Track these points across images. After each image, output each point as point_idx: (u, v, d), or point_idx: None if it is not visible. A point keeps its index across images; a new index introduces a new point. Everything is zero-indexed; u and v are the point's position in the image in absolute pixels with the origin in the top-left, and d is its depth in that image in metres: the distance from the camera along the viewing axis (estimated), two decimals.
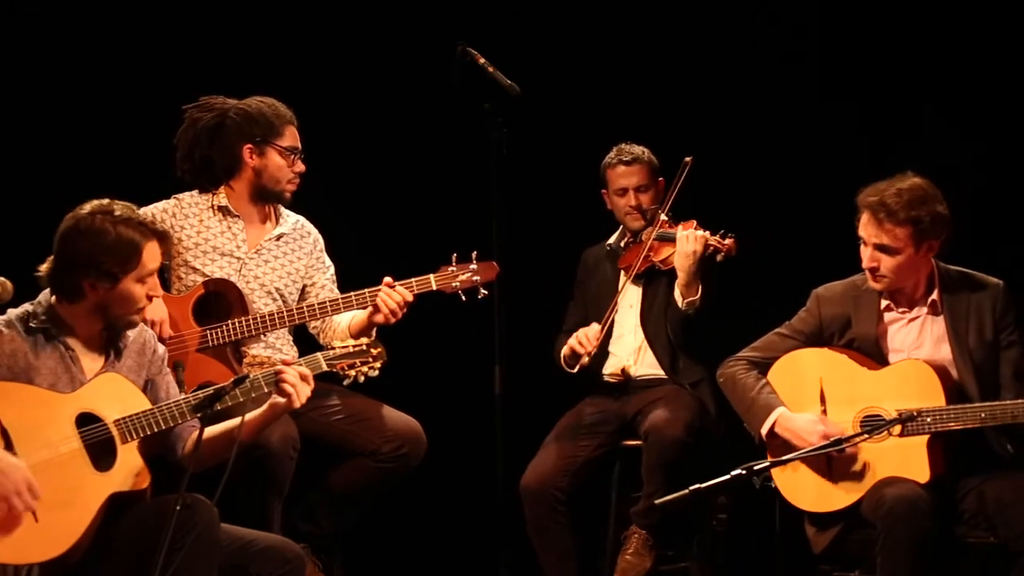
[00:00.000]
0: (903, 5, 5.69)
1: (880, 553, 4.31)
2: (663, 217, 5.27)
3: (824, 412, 4.54)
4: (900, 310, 4.57)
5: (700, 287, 5.14)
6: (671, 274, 5.22)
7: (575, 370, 5.23)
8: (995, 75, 5.59)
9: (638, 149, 5.42)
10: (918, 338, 4.55)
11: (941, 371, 4.46)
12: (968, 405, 4.36)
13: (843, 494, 4.47)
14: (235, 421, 3.99)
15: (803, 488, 4.53)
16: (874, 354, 4.56)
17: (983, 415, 4.32)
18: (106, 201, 3.97)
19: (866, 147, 5.69)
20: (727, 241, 5.11)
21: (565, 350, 5.29)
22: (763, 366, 4.68)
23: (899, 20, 5.69)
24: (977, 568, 4.41)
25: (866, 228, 4.46)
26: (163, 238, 4.03)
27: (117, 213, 3.94)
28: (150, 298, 4.02)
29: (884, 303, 4.57)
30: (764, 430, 4.57)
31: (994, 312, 4.49)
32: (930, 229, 4.42)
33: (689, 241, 5.11)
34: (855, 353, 4.58)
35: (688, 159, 5.19)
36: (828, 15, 5.81)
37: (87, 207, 3.96)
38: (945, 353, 4.50)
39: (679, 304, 5.17)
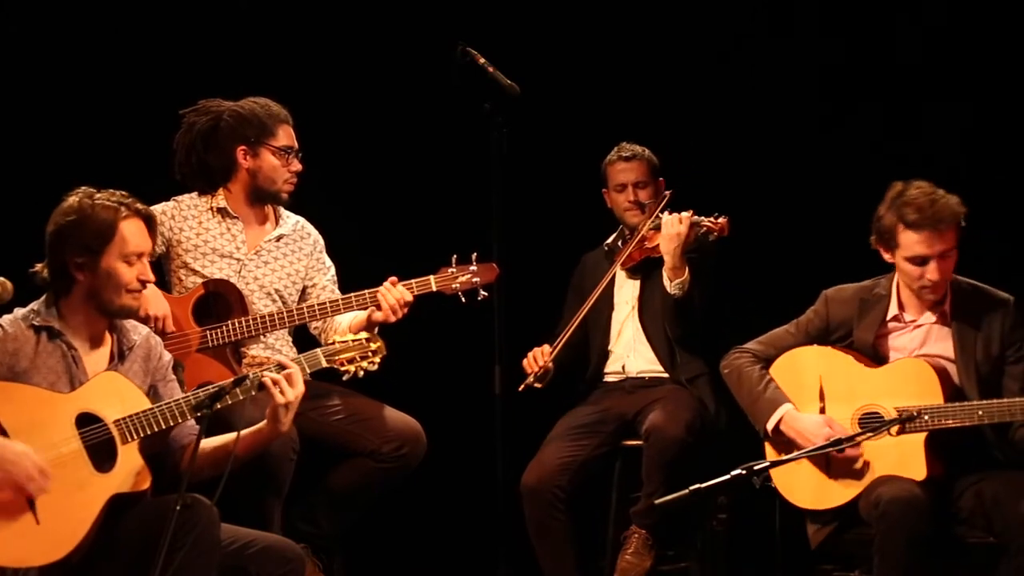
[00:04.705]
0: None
1: (876, 554, 4.32)
2: (658, 210, 5.28)
3: (823, 409, 4.56)
4: (908, 318, 4.57)
5: (687, 270, 5.13)
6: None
7: (521, 388, 5.15)
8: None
9: (638, 148, 5.46)
10: (922, 344, 4.56)
11: (941, 371, 4.48)
12: (965, 403, 4.38)
13: (840, 491, 4.48)
14: (231, 436, 3.98)
15: (800, 485, 4.54)
16: (872, 357, 4.58)
17: (980, 412, 4.34)
18: (93, 189, 4.01)
19: (865, 147, 5.70)
20: (720, 220, 5.11)
21: (523, 363, 5.25)
22: (767, 360, 4.69)
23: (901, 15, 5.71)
24: (976, 568, 4.41)
25: (926, 243, 4.42)
26: (147, 218, 4.02)
27: (98, 194, 3.98)
28: (144, 284, 4.00)
29: (892, 313, 4.58)
30: (770, 426, 4.57)
31: (1003, 327, 4.50)
32: (961, 223, 4.46)
33: (674, 223, 5.11)
34: (856, 352, 4.60)
35: (668, 192, 5.28)
36: (828, 12, 5.81)
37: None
38: (949, 361, 4.52)
39: (668, 288, 5.16)
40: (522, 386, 5.15)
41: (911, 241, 4.44)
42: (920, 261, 4.45)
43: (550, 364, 5.22)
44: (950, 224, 4.41)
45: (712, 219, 5.11)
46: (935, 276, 4.45)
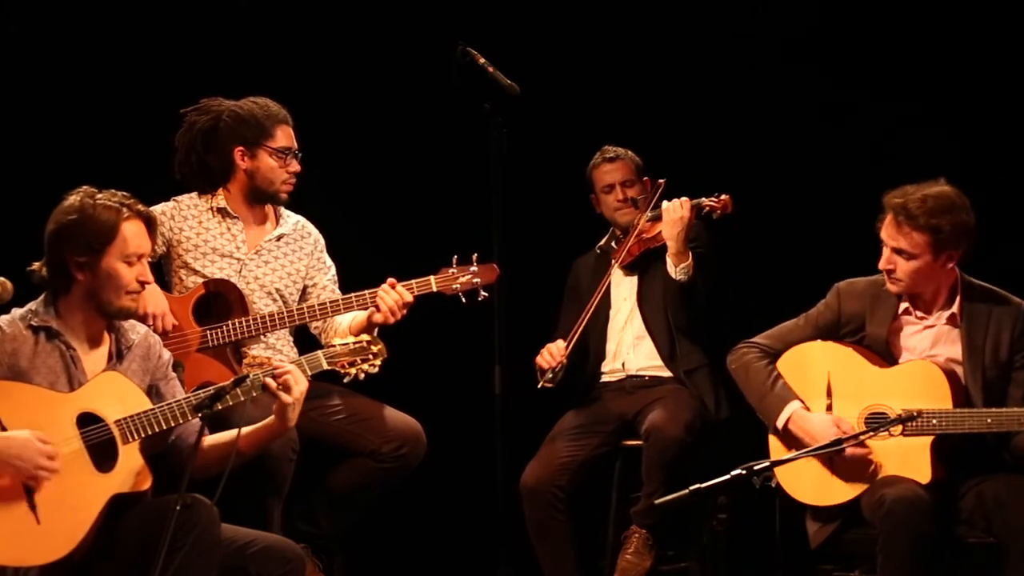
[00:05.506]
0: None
1: (880, 553, 4.31)
2: (654, 200, 5.30)
3: (830, 407, 4.53)
4: (918, 315, 4.55)
5: (691, 255, 5.14)
6: (664, 254, 5.22)
7: (539, 386, 5.17)
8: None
9: (620, 149, 5.48)
10: (932, 346, 4.53)
11: (950, 375, 4.45)
12: (975, 410, 4.36)
13: (843, 489, 4.47)
14: (235, 432, 3.99)
15: (804, 481, 4.52)
16: (884, 354, 4.55)
17: (989, 420, 4.32)
18: (94, 189, 4.01)
19: (867, 143, 5.71)
20: (723, 197, 5.13)
21: (537, 360, 5.25)
22: (775, 355, 4.65)
23: (906, 13, 5.71)
24: (977, 568, 4.41)
25: (886, 230, 4.44)
26: (147, 220, 4.03)
27: (99, 194, 3.99)
28: (143, 284, 4.02)
29: (903, 306, 4.55)
30: (779, 424, 4.54)
31: (1013, 332, 4.46)
32: (950, 239, 4.39)
33: (676, 209, 5.12)
34: (865, 350, 4.57)
35: (661, 181, 5.27)
36: (828, 11, 5.81)
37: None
38: (957, 364, 4.49)
39: (673, 275, 5.16)
40: (540, 384, 5.16)
41: (882, 222, 4.46)
42: (884, 244, 4.46)
43: (565, 359, 5.21)
44: (916, 226, 4.37)
45: (714, 198, 5.13)
46: (881, 263, 4.46)
